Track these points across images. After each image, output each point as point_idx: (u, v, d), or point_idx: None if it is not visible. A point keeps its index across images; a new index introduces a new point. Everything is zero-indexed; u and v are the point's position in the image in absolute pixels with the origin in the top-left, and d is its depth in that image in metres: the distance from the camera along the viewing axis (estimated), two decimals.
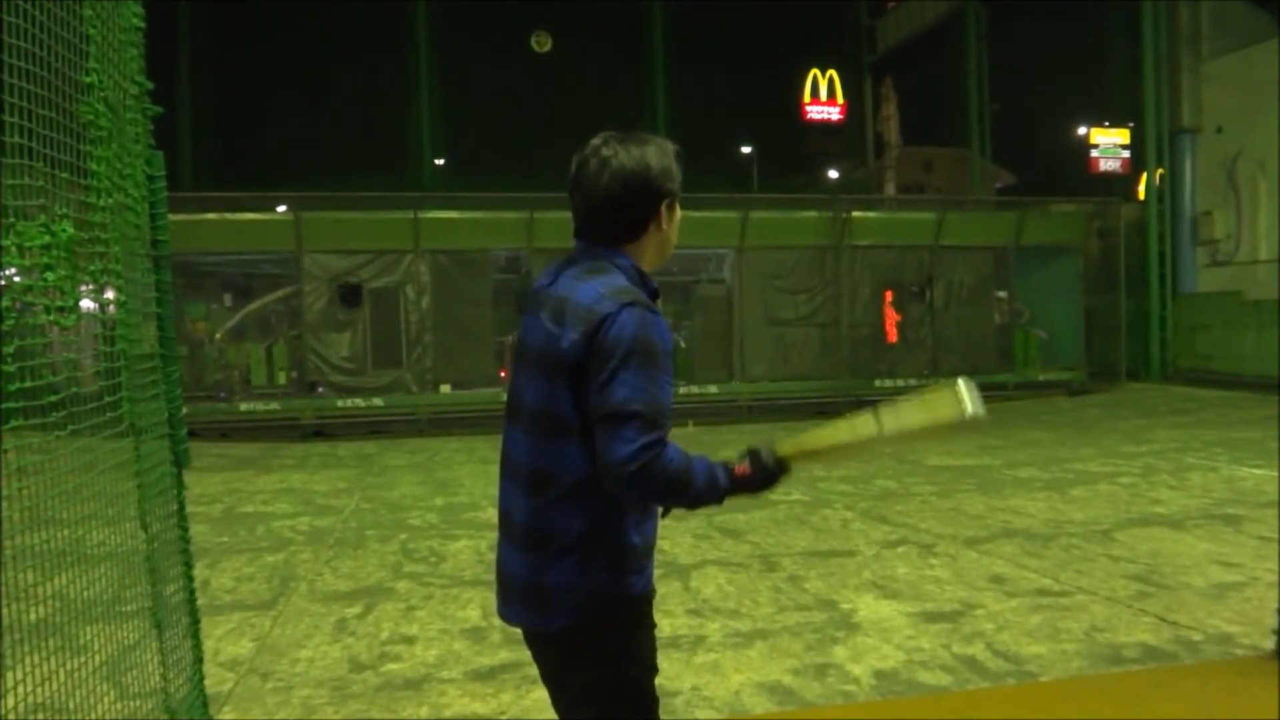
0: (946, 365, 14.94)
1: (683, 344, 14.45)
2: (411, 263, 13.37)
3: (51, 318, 1.91)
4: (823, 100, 24.92)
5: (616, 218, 1.80)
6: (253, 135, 22.53)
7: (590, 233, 1.82)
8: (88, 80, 2.17)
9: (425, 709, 3.61)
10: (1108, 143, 21.53)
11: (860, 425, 1.80)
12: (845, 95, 25.20)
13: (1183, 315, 16.51)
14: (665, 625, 4.29)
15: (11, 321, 1.79)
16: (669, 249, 1.88)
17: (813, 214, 15.28)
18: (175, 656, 2.66)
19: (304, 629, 4.59)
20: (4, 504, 1.72)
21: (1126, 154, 21.26)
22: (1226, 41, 16.14)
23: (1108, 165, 21.55)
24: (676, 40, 22.51)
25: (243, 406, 13.02)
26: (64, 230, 1.93)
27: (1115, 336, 16.16)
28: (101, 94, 2.22)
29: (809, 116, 25.03)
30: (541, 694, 1.99)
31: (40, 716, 1.88)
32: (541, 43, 23.40)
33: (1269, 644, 3.84)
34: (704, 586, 5.11)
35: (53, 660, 1.94)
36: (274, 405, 13.06)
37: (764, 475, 1.76)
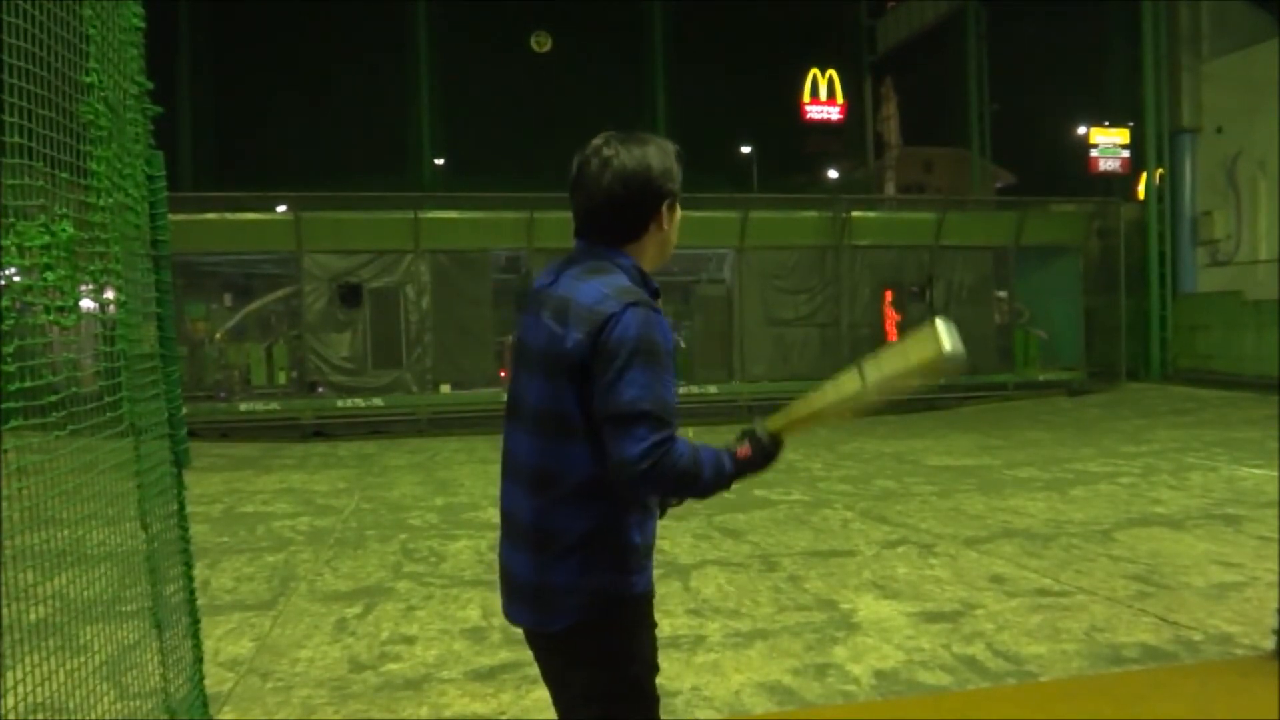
0: None
1: (682, 344, 14.44)
2: (411, 263, 13.37)
3: (51, 318, 1.91)
4: (823, 100, 24.91)
5: (618, 218, 1.80)
6: (253, 135, 22.54)
7: (591, 232, 1.82)
8: (88, 80, 2.17)
9: (425, 709, 3.61)
10: (1107, 143, 21.54)
11: (845, 383, 1.82)
12: (845, 95, 25.19)
13: (1183, 315, 16.51)
14: (665, 625, 4.29)
15: (11, 321, 1.79)
16: (669, 249, 1.89)
17: (813, 214, 15.28)
18: (175, 656, 2.66)
19: (304, 629, 4.59)
20: (4, 504, 1.72)
21: (1126, 154, 21.26)
22: (1226, 41, 16.14)
23: (1107, 165, 21.55)
24: (676, 40, 22.52)
25: (243, 406, 13.03)
26: (64, 230, 1.93)
27: (1115, 336, 16.16)
28: (101, 94, 2.22)
29: (809, 116, 25.03)
30: (541, 694, 1.99)
31: (40, 716, 1.88)
32: (541, 43, 23.41)
33: (1269, 644, 3.84)
34: (704, 586, 5.11)
35: (53, 660, 1.94)
36: (274, 405, 13.07)
37: (763, 453, 1.78)
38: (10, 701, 1.78)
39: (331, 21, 21.53)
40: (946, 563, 5.48)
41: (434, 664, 4.07)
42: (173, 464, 2.82)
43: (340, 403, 13.13)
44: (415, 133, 20.67)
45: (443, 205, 14.67)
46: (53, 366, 1.95)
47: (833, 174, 29.44)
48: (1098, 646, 4.04)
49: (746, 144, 29.51)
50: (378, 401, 13.24)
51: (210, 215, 13.26)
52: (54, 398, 1.87)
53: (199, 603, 3.06)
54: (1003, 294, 15.98)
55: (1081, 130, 23.32)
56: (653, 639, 1.87)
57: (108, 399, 2.27)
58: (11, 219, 1.82)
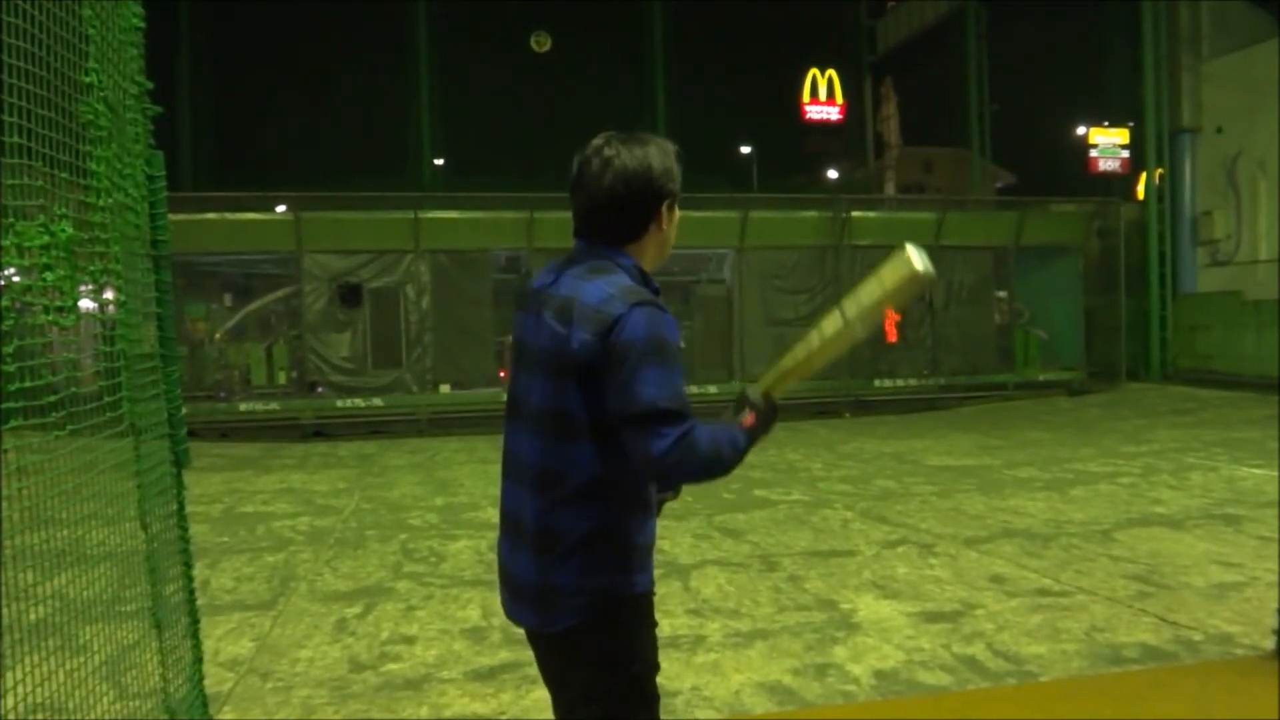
0: (946, 365, 14.95)
1: (682, 344, 14.41)
2: (411, 263, 13.37)
3: (51, 318, 1.91)
4: (822, 100, 24.92)
5: (618, 217, 1.80)
6: (253, 135, 22.55)
7: (591, 232, 1.82)
8: (88, 80, 2.17)
9: (425, 709, 3.61)
10: (1107, 143, 21.56)
11: (826, 325, 1.85)
12: (845, 95, 25.20)
13: (1183, 315, 16.51)
14: (665, 625, 4.29)
15: (11, 321, 1.79)
16: (668, 249, 1.89)
17: (813, 214, 15.28)
18: (175, 656, 2.66)
19: (304, 629, 4.59)
20: (4, 504, 1.72)
21: (1126, 154, 21.28)
22: (1226, 41, 16.13)
23: (1107, 165, 21.57)
24: (676, 40, 22.52)
25: (243, 406, 13.02)
26: (63, 230, 1.93)
27: (1115, 336, 16.15)
28: (101, 94, 2.22)
29: (809, 116, 25.05)
30: (541, 694, 1.99)
31: (40, 716, 1.88)
32: (541, 43, 23.41)
33: (1269, 644, 3.84)
34: (704, 586, 5.11)
35: (52, 660, 1.94)
36: (274, 405, 13.06)
37: (765, 416, 1.80)
38: (10, 701, 1.78)
39: (331, 21, 21.55)
40: (946, 563, 5.48)
41: (434, 664, 4.07)
42: (172, 464, 2.82)
43: (340, 403, 13.13)
44: (415, 133, 20.67)
45: (443, 205, 14.67)
46: (52, 366, 1.95)
47: (833, 174, 29.46)
48: (1098, 646, 4.04)
49: (746, 144, 29.53)
50: (378, 401, 13.24)
51: (210, 215, 13.25)
52: (54, 398, 1.87)
53: (199, 603, 3.06)
54: (1003, 294, 15.97)
55: (1081, 130, 23.35)
56: (653, 639, 1.87)
57: (108, 399, 2.28)
58: (11, 219, 1.82)
